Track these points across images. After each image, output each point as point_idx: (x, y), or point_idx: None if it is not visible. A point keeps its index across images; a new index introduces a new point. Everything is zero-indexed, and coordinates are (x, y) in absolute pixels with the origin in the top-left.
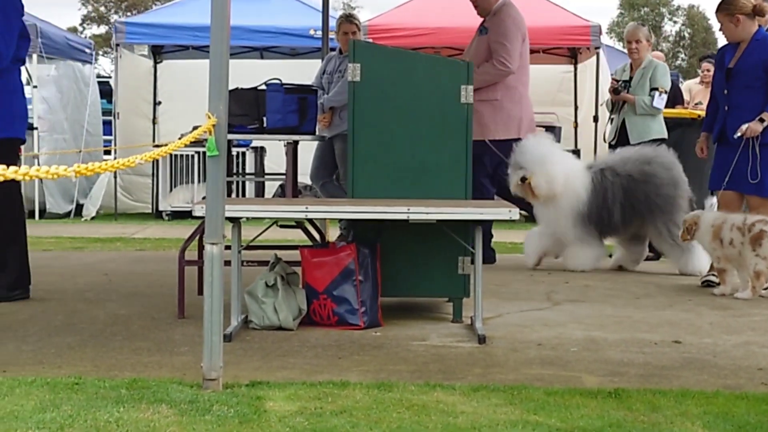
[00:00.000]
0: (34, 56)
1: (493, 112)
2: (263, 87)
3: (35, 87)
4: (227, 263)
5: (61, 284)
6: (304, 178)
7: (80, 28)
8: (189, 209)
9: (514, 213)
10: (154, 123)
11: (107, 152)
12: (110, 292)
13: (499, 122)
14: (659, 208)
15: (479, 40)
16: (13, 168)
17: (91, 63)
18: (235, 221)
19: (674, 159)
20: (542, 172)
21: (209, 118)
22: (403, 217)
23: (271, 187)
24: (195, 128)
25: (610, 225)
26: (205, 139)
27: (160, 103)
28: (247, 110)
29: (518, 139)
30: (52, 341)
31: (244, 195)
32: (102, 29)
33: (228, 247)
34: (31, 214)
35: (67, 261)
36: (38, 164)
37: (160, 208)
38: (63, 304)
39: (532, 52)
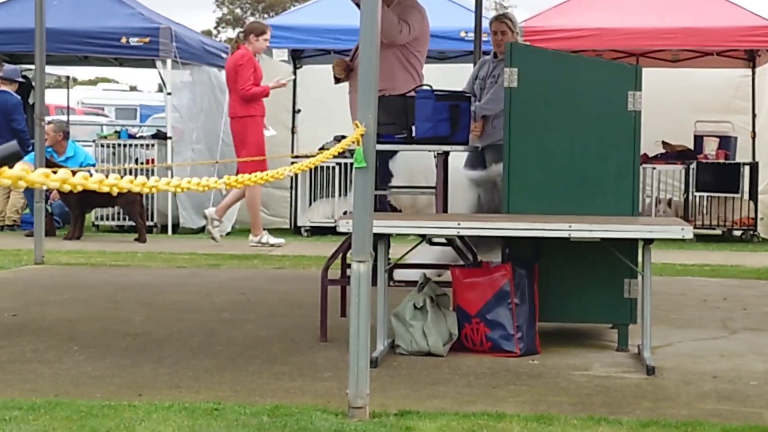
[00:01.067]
0: (168, 61)
1: None
2: (412, 94)
3: (169, 94)
4: (373, 283)
5: (197, 303)
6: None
7: (215, 32)
8: (329, 225)
9: (687, 231)
10: (293, 132)
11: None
12: (248, 312)
13: None
14: None
15: (390, 9)
16: (165, 180)
17: None
18: (382, 237)
19: None
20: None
21: (357, 127)
22: (564, 234)
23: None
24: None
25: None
26: (351, 150)
27: (299, 111)
28: (395, 119)
29: None
30: (189, 364)
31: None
32: (237, 31)
33: (374, 266)
34: (164, 229)
35: (203, 278)
36: (171, 176)
37: (299, 224)
38: (199, 324)
39: (704, 54)
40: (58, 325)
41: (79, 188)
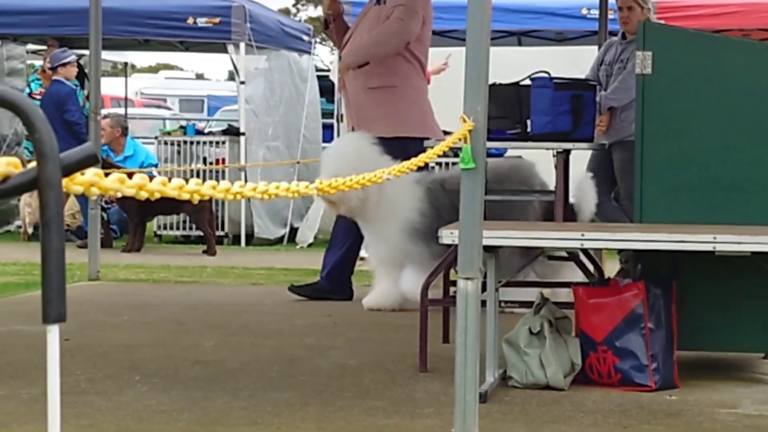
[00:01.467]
0: (242, 45)
1: (387, 102)
2: (527, 82)
3: (242, 83)
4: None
5: (275, 326)
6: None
7: (293, 10)
8: None
9: None
10: None
11: None
12: (335, 338)
13: (395, 116)
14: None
15: (373, 11)
16: (250, 185)
17: (309, 53)
18: (491, 251)
19: (530, 168)
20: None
21: (464, 121)
22: (708, 248)
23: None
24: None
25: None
26: (458, 148)
27: None
28: (507, 111)
29: (419, 139)
30: (267, 397)
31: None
32: (319, 11)
33: (483, 284)
34: (236, 240)
35: (282, 298)
36: (245, 178)
37: None
38: (279, 351)
39: None
40: (116, 351)
41: (157, 195)
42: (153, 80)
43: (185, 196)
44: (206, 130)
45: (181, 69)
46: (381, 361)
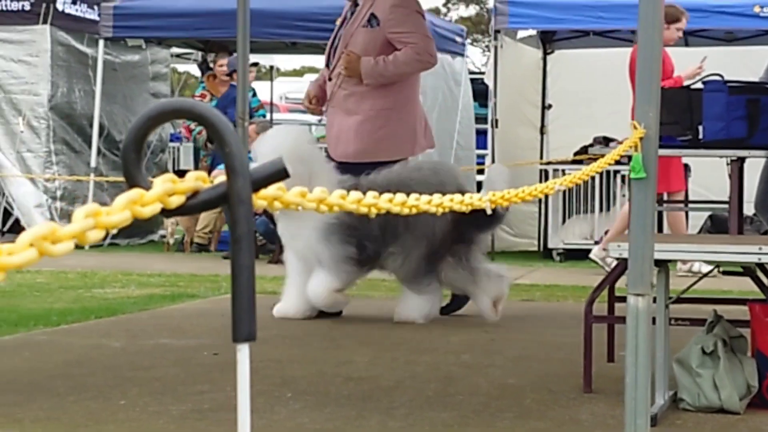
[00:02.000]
0: None
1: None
2: (699, 86)
3: None
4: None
5: (430, 342)
6: (748, 207)
7: (444, 9)
8: (588, 247)
9: None
10: (542, 133)
11: (479, 171)
12: (493, 355)
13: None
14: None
15: (363, 34)
16: (425, 198)
17: (462, 55)
18: (662, 265)
19: (452, 170)
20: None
21: (635, 128)
22: None
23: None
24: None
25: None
26: (627, 156)
27: (550, 106)
28: (677, 116)
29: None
30: (424, 416)
31: None
32: (471, 10)
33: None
34: None
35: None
36: None
37: (550, 246)
38: (435, 368)
39: None
40: (267, 367)
41: (336, 209)
42: (298, 84)
43: (363, 210)
44: None
45: None
46: (542, 380)
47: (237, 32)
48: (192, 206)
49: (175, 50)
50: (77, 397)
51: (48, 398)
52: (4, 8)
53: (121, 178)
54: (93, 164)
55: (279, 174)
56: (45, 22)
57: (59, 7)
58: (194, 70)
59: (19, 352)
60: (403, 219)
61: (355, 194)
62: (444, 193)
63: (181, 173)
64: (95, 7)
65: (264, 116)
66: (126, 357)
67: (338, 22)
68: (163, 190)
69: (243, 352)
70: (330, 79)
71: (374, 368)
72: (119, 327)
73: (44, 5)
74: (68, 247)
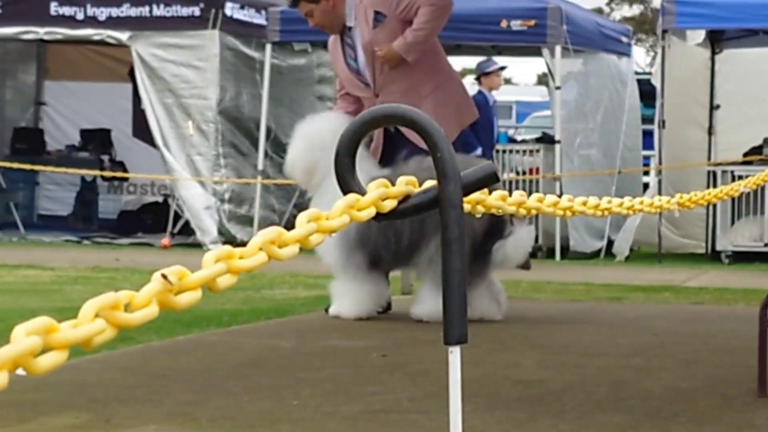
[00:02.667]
0: (557, 48)
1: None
2: None
3: (558, 88)
4: None
5: (599, 346)
6: None
7: (606, 9)
8: (758, 249)
9: None
10: (710, 134)
11: (645, 173)
12: (664, 358)
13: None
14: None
15: (378, 32)
16: (617, 200)
17: (628, 56)
18: None
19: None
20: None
21: None
22: None
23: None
24: None
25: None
26: None
27: (718, 107)
28: None
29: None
30: (596, 420)
31: None
32: (635, 10)
33: None
34: (550, 253)
35: (603, 315)
36: (560, 189)
37: (718, 248)
38: (605, 371)
39: None
40: (436, 369)
41: (533, 212)
42: None
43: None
44: (518, 138)
45: None
46: (715, 384)
47: None
48: (403, 210)
49: None
50: (251, 397)
51: (223, 398)
52: (175, 14)
53: (288, 181)
54: (260, 167)
55: (489, 178)
56: (214, 27)
57: (228, 12)
58: None
59: (193, 352)
60: (433, 221)
61: (551, 198)
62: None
63: None
64: (263, 12)
65: None
66: (297, 358)
67: (332, 50)
68: (378, 195)
69: (455, 354)
70: (377, 95)
71: (543, 371)
72: (289, 328)
73: (213, 11)
74: (293, 250)
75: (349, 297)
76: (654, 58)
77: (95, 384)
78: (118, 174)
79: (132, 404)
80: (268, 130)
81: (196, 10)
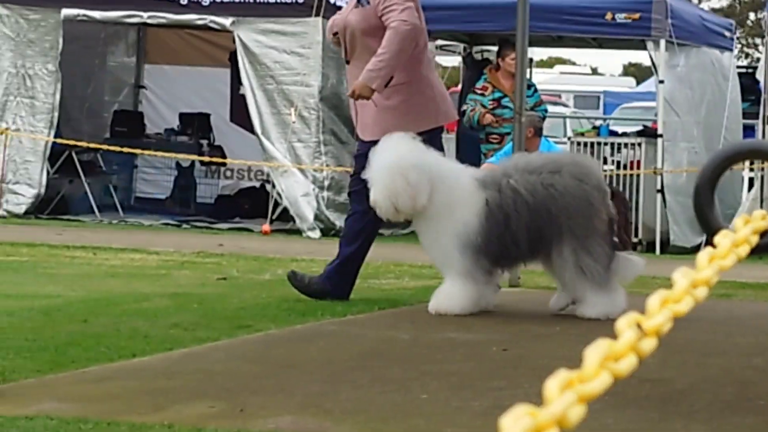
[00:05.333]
0: (662, 42)
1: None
2: None
3: (661, 82)
4: None
5: (716, 344)
6: None
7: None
8: None
9: None
10: None
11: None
12: None
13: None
14: (569, 230)
15: (355, 12)
16: None
17: (730, 50)
18: None
19: (591, 166)
20: (383, 185)
21: None
22: None
23: None
24: None
25: (511, 255)
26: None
27: None
28: None
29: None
30: (728, 421)
31: None
32: (723, 1)
33: None
34: (650, 247)
35: (714, 313)
36: (661, 183)
37: None
38: (727, 371)
39: None
40: (559, 365)
41: None
42: (548, 75)
43: None
44: (620, 132)
45: (575, 63)
46: None
47: (517, 26)
48: (762, 245)
49: (440, 42)
50: (380, 389)
51: (352, 390)
52: (278, 0)
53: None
54: None
55: None
56: (317, 14)
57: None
58: (448, 62)
59: (313, 342)
60: (556, 218)
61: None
62: (584, 191)
63: None
64: None
65: (545, 111)
66: (417, 350)
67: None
68: (748, 231)
69: None
70: (348, 62)
71: (667, 370)
72: (404, 319)
73: None
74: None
75: (461, 298)
76: (741, 50)
77: (223, 373)
78: (216, 159)
79: (263, 394)
80: None
81: None
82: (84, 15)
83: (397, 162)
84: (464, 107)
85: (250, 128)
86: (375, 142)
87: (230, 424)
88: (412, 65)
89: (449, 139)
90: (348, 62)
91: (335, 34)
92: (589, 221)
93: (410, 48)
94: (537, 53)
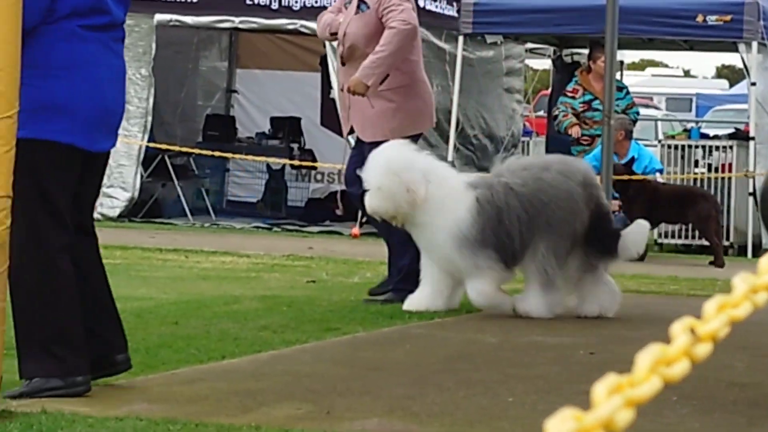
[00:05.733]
0: (754, 44)
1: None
2: None
3: (753, 84)
4: None
5: None
6: None
7: None
8: None
9: None
10: None
11: None
12: None
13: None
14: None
15: (356, 19)
16: None
17: None
18: None
19: (578, 165)
20: (378, 190)
21: None
22: None
23: None
24: None
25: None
26: None
27: None
28: None
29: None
30: None
31: None
32: None
33: None
34: (742, 250)
35: None
36: (753, 186)
37: None
38: None
39: None
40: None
41: None
42: (640, 78)
43: None
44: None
45: (666, 65)
46: None
47: (606, 29)
48: None
49: (530, 45)
50: (466, 392)
51: (438, 393)
52: None
53: (475, 173)
54: (450, 158)
55: None
56: None
57: (420, 3)
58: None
59: (401, 345)
60: (545, 215)
61: None
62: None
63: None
64: (454, 4)
65: (637, 114)
66: (504, 353)
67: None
68: None
69: None
70: (343, 64)
71: (755, 374)
72: (490, 322)
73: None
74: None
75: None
76: None
77: (310, 375)
78: (306, 163)
79: (350, 396)
80: (456, 122)
81: None
82: (177, 20)
83: (387, 165)
84: (555, 111)
85: (341, 132)
86: (376, 144)
87: (317, 426)
88: (413, 68)
89: (539, 142)
90: (344, 64)
91: (333, 34)
92: (569, 215)
93: (408, 47)
94: (628, 56)
